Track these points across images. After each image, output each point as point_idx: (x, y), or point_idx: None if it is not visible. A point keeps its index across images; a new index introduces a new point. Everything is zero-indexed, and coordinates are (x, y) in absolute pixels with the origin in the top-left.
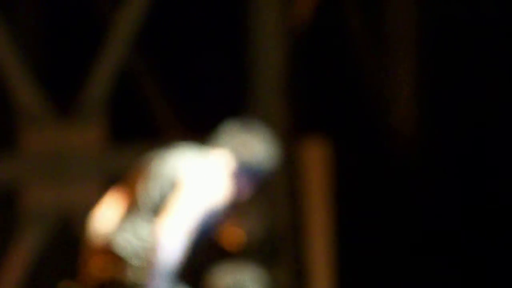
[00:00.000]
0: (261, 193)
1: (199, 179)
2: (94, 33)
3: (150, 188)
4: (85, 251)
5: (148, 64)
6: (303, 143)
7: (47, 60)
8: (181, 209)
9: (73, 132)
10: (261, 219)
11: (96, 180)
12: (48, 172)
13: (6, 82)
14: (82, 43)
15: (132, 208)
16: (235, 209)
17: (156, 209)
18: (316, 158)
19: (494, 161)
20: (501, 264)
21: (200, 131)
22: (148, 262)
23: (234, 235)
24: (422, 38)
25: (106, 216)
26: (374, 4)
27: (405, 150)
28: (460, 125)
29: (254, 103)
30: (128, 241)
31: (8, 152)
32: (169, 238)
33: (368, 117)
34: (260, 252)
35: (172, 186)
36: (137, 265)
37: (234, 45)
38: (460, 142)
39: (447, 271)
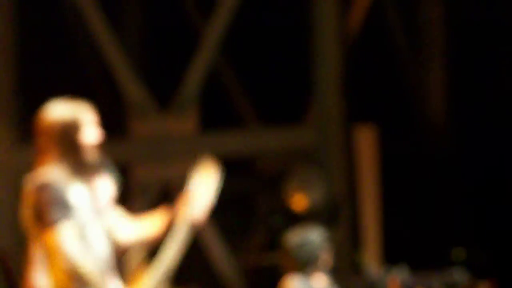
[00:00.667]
0: (323, 169)
1: None
2: (188, 38)
3: None
4: None
5: (232, 64)
6: (356, 129)
7: (150, 62)
8: None
9: (172, 121)
10: (323, 190)
11: (190, 160)
12: (151, 154)
13: (117, 81)
14: (179, 47)
15: None
16: None
17: None
18: (366, 141)
19: None
20: None
21: (273, 121)
22: None
23: (302, 202)
24: (452, 38)
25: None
26: (411, 11)
27: (437, 137)
28: (486, 117)
29: (317, 97)
30: None
31: (120, 138)
32: None
33: (407, 108)
34: (322, 215)
35: None
36: None
37: (300, 49)
38: (486, 131)
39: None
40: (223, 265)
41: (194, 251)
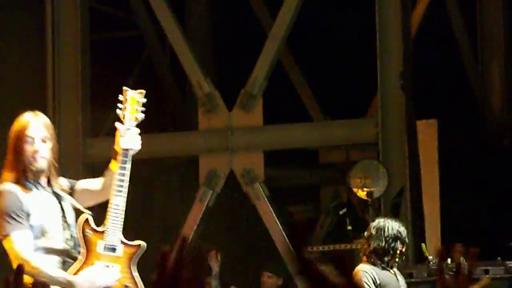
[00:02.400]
0: (385, 162)
1: None
2: (254, 35)
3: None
4: None
5: (297, 60)
6: (419, 123)
7: (218, 59)
8: None
9: (238, 115)
10: (385, 182)
11: (255, 151)
12: (219, 145)
13: (187, 78)
14: (245, 44)
15: None
16: None
17: None
18: (428, 135)
19: None
20: None
21: (337, 115)
22: None
23: (364, 194)
24: (511, 39)
25: None
26: (471, 7)
27: (498, 131)
28: None
29: (380, 92)
30: None
31: (190, 131)
32: None
33: (468, 103)
34: (385, 206)
35: None
36: None
37: (364, 45)
38: None
39: None
40: (287, 255)
41: (260, 241)
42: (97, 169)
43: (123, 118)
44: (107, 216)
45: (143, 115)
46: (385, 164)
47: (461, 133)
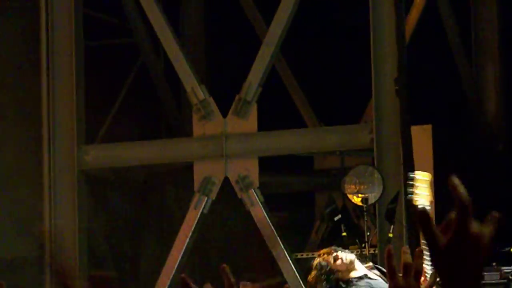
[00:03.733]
0: (379, 168)
1: None
2: (249, 41)
3: None
4: None
5: (291, 66)
6: (414, 128)
7: (212, 65)
8: None
9: (232, 122)
10: (380, 189)
11: (250, 157)
12: (213, 152)
13: (181, 84)
14: (239, 49)
15: None
16: None
17: None
18: (423, 140)
19: None
20: None
21: (330, 121)
22: None
23: (359, 201)
24: (506, 37)
25: None
26: (466, 15)
27: (493, 136)
28: None
29: (374, 98)
30: None
31: (185, 138)
32: None
33: (462, 108)
34: (383, 208)
35: None
36: None
37: (357, 50)
38: None
39: None
40: (284, 261)
41: (256, 247)
42: (92, 176)
43: None
44: None
45: None
46: (380, 169)
47: (455, 138)
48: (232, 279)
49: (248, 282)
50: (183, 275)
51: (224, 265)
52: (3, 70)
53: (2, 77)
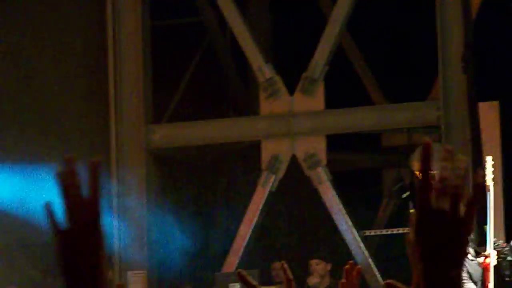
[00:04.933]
0: (451, 144)
1: None
2: (315, 20)
3: None
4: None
5: (357, 44)
6: (481, 105)
7: (279, 44)
8: None
9: (299, 100)
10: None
11: (317, 135)
12: (281, 130)
13: (249, 63)
14: (306, 28)
15: None
16: None
17: None
18: (490, 117)
19: None
20: None
21: (397, 98)
22: None
23: None
24: None
25: None
26: None
27: None
28: None
29: (442, 75)
30: None
31: (252, 117)
32: None
33: None
34: None
35: None
36: None
37: (425, 28)
38: None
39: None
40: (350, 238)
41: (321, 226)
42: (160, 155)
43: None
44: None
45: None
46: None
47: None
48: (290, 276)
49: (319, 260)
50: (239, 270)
51: (283, 262)
52: (71, 55)
53: (70, 62)
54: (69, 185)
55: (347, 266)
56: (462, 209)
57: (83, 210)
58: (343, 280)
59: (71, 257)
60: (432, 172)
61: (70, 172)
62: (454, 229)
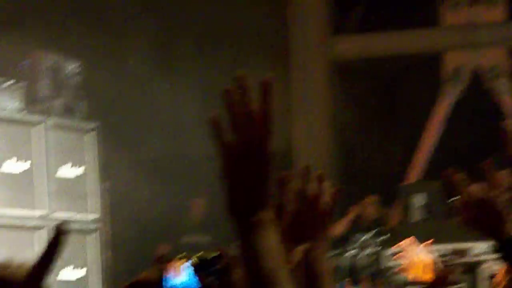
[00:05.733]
0: None
1: None
2: None
3: None
4: None
5: None
6: None
7: None
8: None
9: (481, 9)
10: None
11: (500, 46)
12: (462, 40)
13: None
14: None
15: None
16: None
17: None
18: None
19: None
20: None
21: None
22: None
23: None
24: None
25: None
26: None
27: None
28: None
29: None
30: None
31: (434, 28)
32: None
33: None
34: None
35: None
36: None
37: None
38: None
39: None
40: None
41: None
42: (342, 67)
43: None
44: None
45: None
46: None
47: None
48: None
49: None
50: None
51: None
52: None
53: None
54: (236, 101)
55: None
56: None
57: (249, 126)
58: None
59: (236, 170)
60: None
61: (240, 89)
62: None
